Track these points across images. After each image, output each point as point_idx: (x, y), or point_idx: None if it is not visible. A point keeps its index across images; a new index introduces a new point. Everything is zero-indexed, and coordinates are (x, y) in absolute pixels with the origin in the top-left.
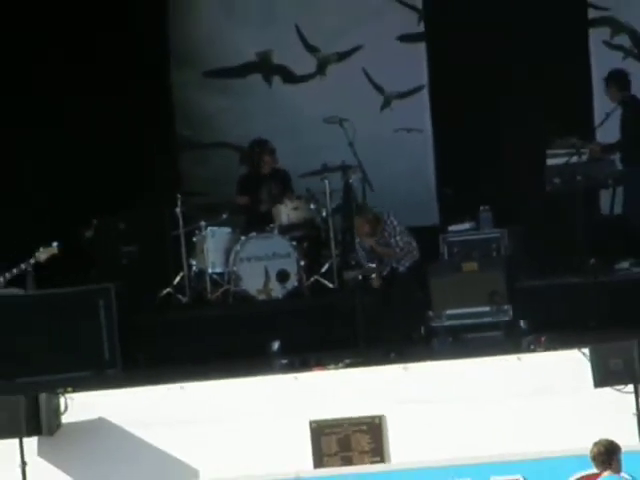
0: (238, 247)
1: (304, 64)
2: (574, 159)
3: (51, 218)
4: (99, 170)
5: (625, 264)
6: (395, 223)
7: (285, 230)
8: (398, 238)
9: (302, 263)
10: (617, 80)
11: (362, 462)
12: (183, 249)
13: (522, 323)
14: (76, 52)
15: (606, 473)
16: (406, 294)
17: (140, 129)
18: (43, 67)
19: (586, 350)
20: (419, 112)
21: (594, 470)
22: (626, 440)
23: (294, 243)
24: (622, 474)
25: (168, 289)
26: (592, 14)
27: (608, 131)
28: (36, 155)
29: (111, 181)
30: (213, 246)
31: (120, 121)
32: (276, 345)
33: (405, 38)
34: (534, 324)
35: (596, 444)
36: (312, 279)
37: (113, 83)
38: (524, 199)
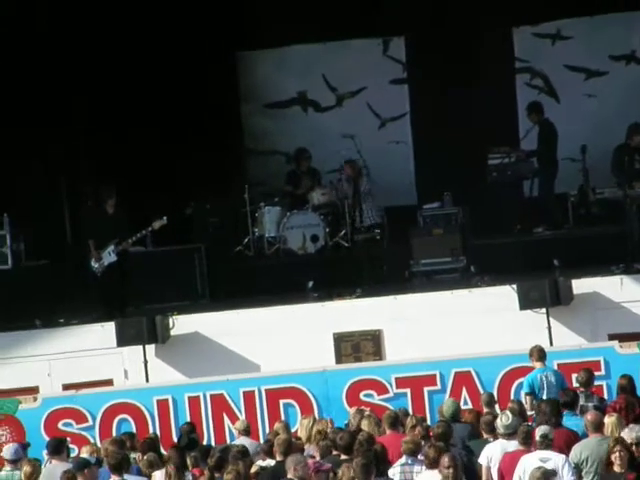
0: (285, 219)
1: (328, 99)
2: (506, 160)
3: (163, 200)
4: (195, 171)
5: (540, 229)
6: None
7: (316, 208)
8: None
9: (327, 230)
10: (535, 108)
11: (367, 360)
12: (249, 221)
13: (472, 268)
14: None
15: (540, 364)
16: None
17: (222, 144)
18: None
19: (514, 286)
20: (404, 130)
21: (524, 364)
22: (540, 344)
23: (322, 217)
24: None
25: (239, 247)
26: (518, 64)
27: (529, 142)
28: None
29: (203, 178)
30: (269, 219)
31: (208, 138)
32: (310, 284)
33: (394, 81)
34: (480, 269)
35: (534, 346)
36: (334, 240)
37: (206, 112)
38: (473, 187)
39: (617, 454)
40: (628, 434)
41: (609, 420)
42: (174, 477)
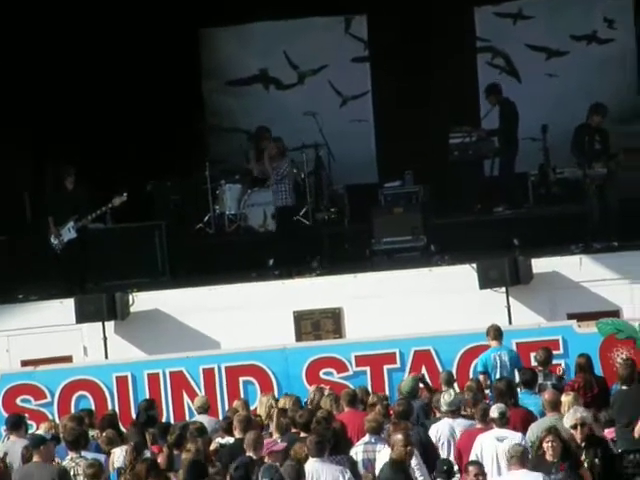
0: (246, 197)
1: (290, 77)
2: (467, 139)
3: (123, 177)
4: (155, 147)
5: (500, 208)
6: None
7: None
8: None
9: None
10: (493, 90)
11: (327, 338)
12: (210, 198)
13: (432, 247)
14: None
15: (495, 343)
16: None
17: (182, 120)
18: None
19: (474, 265)
20: (366, 108)
21: (483, 343)
22: (500, 322)
23: None
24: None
25: (200, 224)
26: (479, 44)
27: (490, 121)
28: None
29: (164, 155)
30: (229, 196)
31: (169, 115)
32: (271, 262)
33: (356, 59)
34: (440, 248)
35: (491, 325)
36: (295, 218)
37: (167, 89)
38: (434, 166)
39: (549, 444)
40: (573, 415)
41: (566, 399)
42: (132, 454)
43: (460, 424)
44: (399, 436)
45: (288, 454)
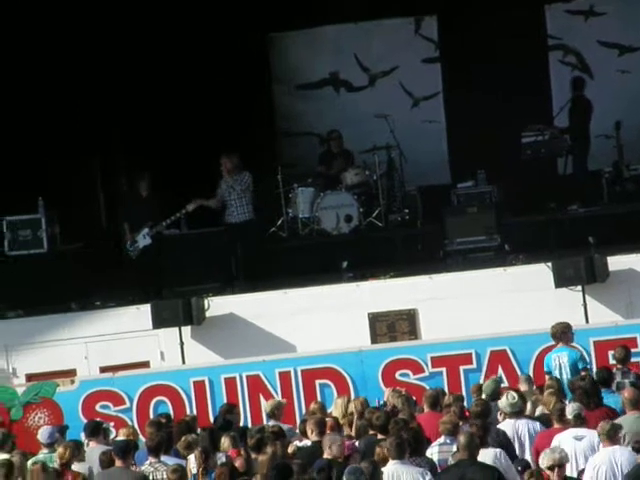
0: (319, 200)
1: (360, 79)
2: (540, 138)
3: (197, 182)
4: (226, 152)
5: (574, 206)
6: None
7: (349, 188)
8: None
9: (361, 210)
10: (579, 84)
11: (402, 339)
12: (283, 202)
13: (506, 246)
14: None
15: (560, 344)
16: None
17: (255, 125)
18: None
19: (549, 264)
20: (437, 109)
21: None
22: (576, 321)
23: (355, 197)
24: (573, 344)
25: (273, 228)
26: (550, 42)
27: (562, 119)
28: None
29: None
30: (302, 199)
31: (240, 120)
32: (345, 264)
33: (426, 60)
34: (515, 247)
35: (554, 325)
36: (368, 220)
37: (238, 94)
38: (507, 165)
39: None
40: (550, 455)
41: None
42: (201, 458)
43: (524, 425)
44: (460, 437)
45: (365, 456)
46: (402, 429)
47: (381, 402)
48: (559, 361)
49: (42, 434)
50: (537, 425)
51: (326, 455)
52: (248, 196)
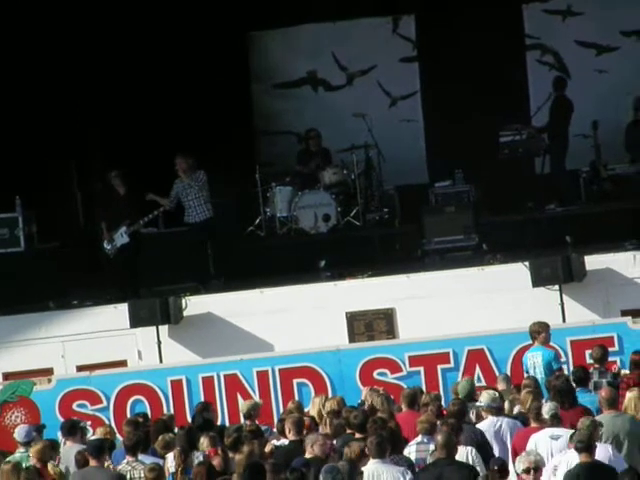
0: (297, 199)
1: (338, 78)
2: (517, 137)
3: (172, 181)
4: (204, 151)
5: (552, 206)
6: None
7: (327, 187)
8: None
9: (339, 209)
10: (560, 84)
11: (380, 338)
12: (261, 201)
13: (484, 246)
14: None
15: (536, 344)
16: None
17: (232, 124)
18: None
19: (527, 263)
20: (415, 108)
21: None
22: (553, 320)
23: (333, 196)
24: (549, 344)
25: (251, 227)
26: (528, 41)
27: (539, 119)
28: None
29: (214, 159)
30: (280, 198)
31: (218, 118)
32: (322, 263)
33: (404, 59)
34: (492, 246)
35: (532, 324)
36: (346, 219)
37: (216, 92)
38: (484, 164)
39: None
40: (525, 458)
41: (631, 394)
42: (180, 458)
43: (505, 423)
44: (438, 436)
45: (342, 455)
46: (380, 428)
47: (358, 402)
48: (533, 360)
49: (19, 433)
50: (518, 423)
51: (308, 454)
52: (206, 194)
